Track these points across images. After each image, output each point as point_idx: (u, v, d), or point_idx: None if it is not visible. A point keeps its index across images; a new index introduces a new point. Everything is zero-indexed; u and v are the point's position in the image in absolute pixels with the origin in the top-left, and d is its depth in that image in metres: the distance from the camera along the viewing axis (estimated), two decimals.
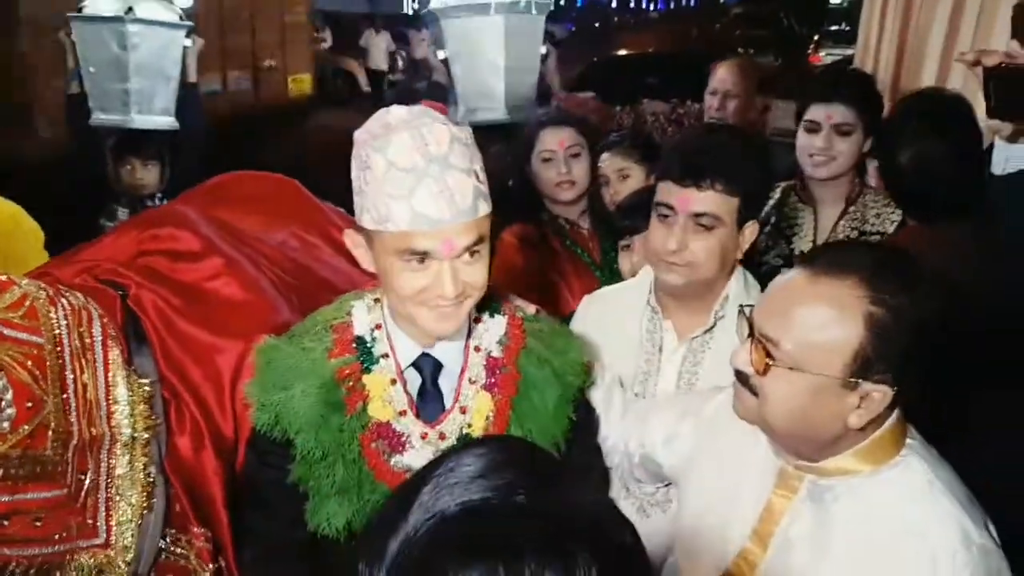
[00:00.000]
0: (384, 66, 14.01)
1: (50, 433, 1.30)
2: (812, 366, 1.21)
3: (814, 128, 2.43)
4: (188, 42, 3.39)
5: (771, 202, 2.59)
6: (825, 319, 1.20)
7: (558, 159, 2.61)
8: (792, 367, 1.22)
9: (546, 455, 0.81)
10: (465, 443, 0.80)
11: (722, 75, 3.38)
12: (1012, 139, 1.80)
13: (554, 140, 2.63)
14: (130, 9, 3.18)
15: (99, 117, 3.28)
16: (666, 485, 1.71)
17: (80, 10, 3.28)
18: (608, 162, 2.70)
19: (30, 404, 1.27)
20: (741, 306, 1.36)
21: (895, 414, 1.29)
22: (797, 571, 1.30)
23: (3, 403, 1.24)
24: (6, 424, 1.24)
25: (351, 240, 1.40)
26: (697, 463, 1.52)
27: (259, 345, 1.44)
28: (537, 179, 2.66)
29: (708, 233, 1.67)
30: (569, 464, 1.48)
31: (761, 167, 1.75)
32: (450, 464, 0.73)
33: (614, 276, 2.33)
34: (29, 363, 1.27)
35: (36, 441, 1.28)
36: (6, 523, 1.29)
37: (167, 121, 3.32)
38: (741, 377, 1.30)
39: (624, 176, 2.66)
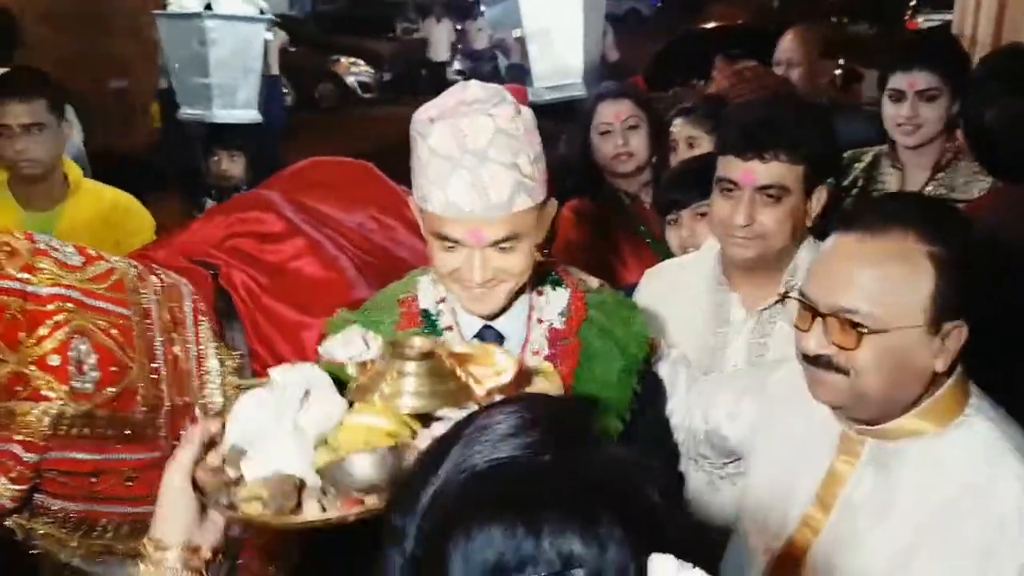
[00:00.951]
0: (446, 57, 13.66)
1: (139, 398, 1.39)
2: (898, 322, 1.20)
3: (898, 96, 2.38)
4: (269, 35, 3.45)
5: (861, 166, 2.54)
6: (895, 273, 1.20)
7: (615, 131, 2.61)
8: (881, 329, 1.20)
9: (579, 414, 0.80)
10: (497, 402, 0.82)
11: (785, 45, 3.32)
12: None
13: (611, 112, 2.63)
14: (208, 6, 3.25)
15: (185, 112, 3.41)
16: (734, 460, 1.71)
17: (165, 7, 3.40)
18: (679, 128, 2.66)
19: (115, 368, 1.36)
20: (783, 294, 1.33)
21: (956, 372, 1.27)
22: (860, 535, 1.29)
23: (87, 366, 1.32)
24: (90, 385, 1.33)
25: (413, 209, 1.43)
26: (761, 437, 1.52)
27: (331, 318, 1.50)
28: (596, 152, 2.66)
29: (776, 204, 1.65)
30: (635, 432, 1.49)
31: (823, 131, 1.71)
32: (482, 422, 0.74)
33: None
34: (114, 331, 1.36)
35: (123, 403, 1.37)
36: (95, 479, 1.39)
37: (250, 114, 3.38)
38: (820, 361, 1.26)
39: (692, 145, 2.60)
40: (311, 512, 0.99)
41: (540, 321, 1.49)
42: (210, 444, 1.05)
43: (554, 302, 1.51)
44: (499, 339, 1.49)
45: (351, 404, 1.09)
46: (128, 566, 1.44)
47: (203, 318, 1.50)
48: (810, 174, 1.65)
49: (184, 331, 1.47)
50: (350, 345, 1.15)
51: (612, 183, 2.71)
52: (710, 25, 11.60)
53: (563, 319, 1.50)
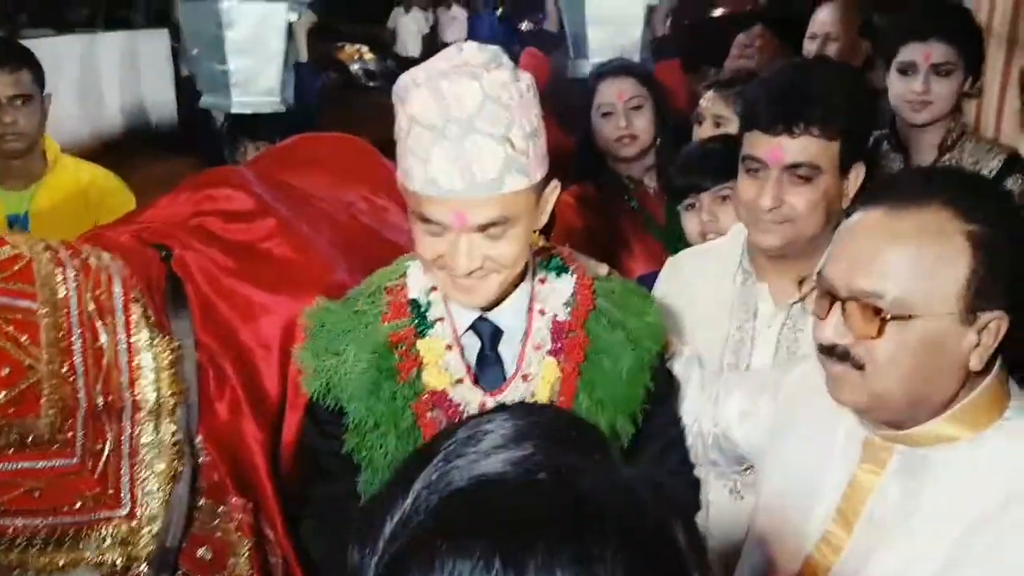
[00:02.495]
0: (416, 52, 12.64)
1: (43, 401, 1.25)
2: (928, 307, 1.06)
3: (910, 69, 2.20)
4: (293, 16, 3.21)
5: None
6: (927, 251, 1.07)
7: (617, 112, 2.46)
8: (908, 315, 1.06)
9: (581, 425, 0.68)
10: (487, 410, 0.69)
11: (823, 18, 3.12)
12: None
13: (612, 92, 2.47)
14: None
15: (206, 99, 3.26)
16: (746, 467, 1.55)
17: None
18: (709, 103, 2.48)
19: (8, 370, 1.22)
20: (801, 279, 1.19)
21: (996, 368, 1.13)
22: (887, 554, 1.15)
23: None
24: None
25: (400, 185, 1.29)
26: (776, 442, 1.38)
27: (310, 308, 1.37)
28: (597, 135, 2.51)
29: (807, 185, 1.48)
30: (648, 433, 1.37)
31: (861, 101, 1.54)
32: (467, 432, 0.62)
33: (679, 240, 2.16)
34: (11, 328, 1.22)
35: (23, 409, 1.24)
36: None
37: (271, 102, 3.19)
38: (836, 353, 1.13)
39: (719, 124, 2.41)
40: None
41: (542, 312, 1.36)
42: None
43: (558, 291, 1.38)
44: (496, 332, 1.36)
45: None
46: None
47: (135, 305, 1.35)
48: (846, 151, 1.48)
49: (112, 320, 1.32)
50: None
51: (614, 167, 2.56)
52: (719, 12, 11.45)
53: (568, 310, 1.37)
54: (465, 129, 1.13)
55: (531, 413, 0.65)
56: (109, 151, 7.03)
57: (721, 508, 1.63)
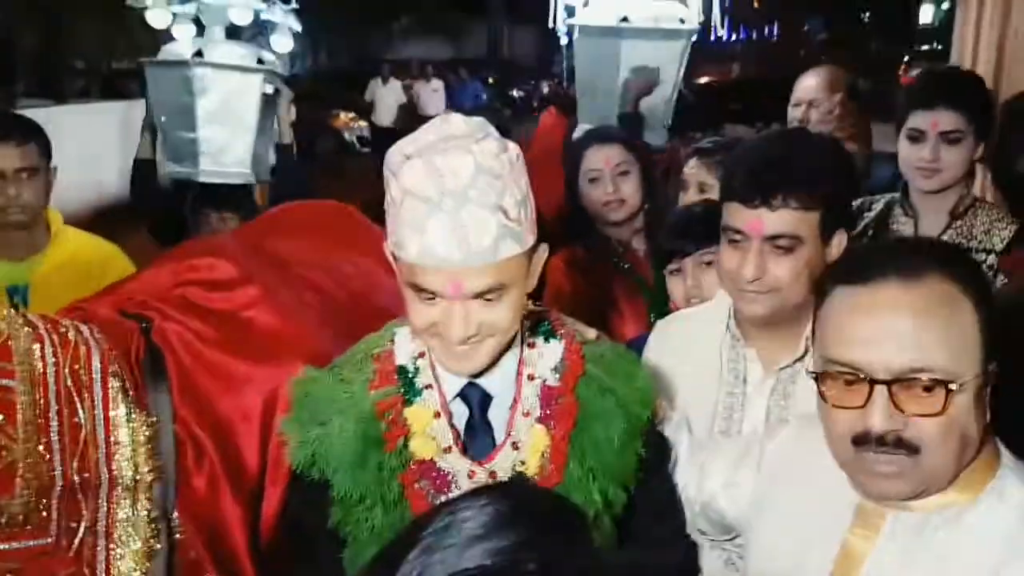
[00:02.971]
0: (389, 122, 12.61)
1: (19, 480, 1.22)
2: (965, 373, 1.07)
3: (919, 137, 2.19)
4: (268, 88, 3.13)
5: (872, 215, 2.37)
6: (952, 321, 1.08)
7: (605, 178, 2.49)
8: (959, 384, 1.06)
9: (562, 507, 0.65)
10: (465, 493, 0.66)
11: (806, 83, 3.14)
12: None
13: (599, 159, 2.50)
14: (199, 52, 3.03)
15: (172, 168, 3.15)
16: (733, 537, 1.52)
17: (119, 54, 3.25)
18: (693, 171, 2.51)
19: None
20: (815, 374, 1.14)
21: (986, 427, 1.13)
22: None
23: None
24: None
25: (388, 254, 1.29)
26: (762, 510, 1.35)
27: (296, 377, 1.35)
28: (585, 200, 2.53)
29: (789, 255, 1.47)
30: (642, 501, 1.34)
31: (840, 170, 1.53)
32: (444, 520, 0.59)
33: (665, 304, 2.15)
34: None
35: None
36: None
37: (241, 173, 3.11)
38: (886, 442, 1.07)
39: (703, 190, 2.44)
40: None
41: (531, 378, 1.34)
42: None
43: (547, 356, 1.36)
44: (485, 398, 1.33)
45: None
46: None
47: (113, 380, 1.33)
48: (827, 219, 1.47)
49: (90, 395, 1.30)
50: None
51: (603, 231, 2.58)
52: (704, 80, 11.72)
53: (557, 375, 1.34)
54: (460, 201, 1.14)
55: (510, 496, 0.63)
56: (105, 219, 7.07)
57: None
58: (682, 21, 3.18)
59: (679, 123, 5.25)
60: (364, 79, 13.89)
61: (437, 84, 13.61)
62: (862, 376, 1.08)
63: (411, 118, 12.24)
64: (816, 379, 1.14)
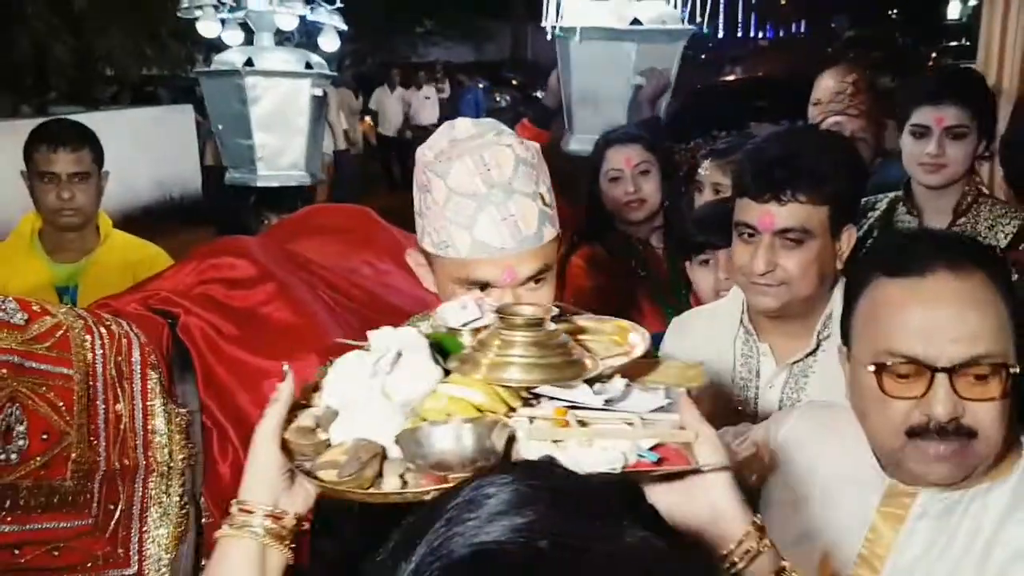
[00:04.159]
0: (393, 132, 11.99)
1: (71, 464, 1.29)
2: (1012, 357, 1.10)
3: (923, 132, 2.21)
4: (317, 91, 3.20)
5: (876, 214, 2.38)
6: (998, 309, 1.11)
7: (625, 178, 2.52)
8: (1014, 368, 1.09)
9: (587, 486, 0.66)
10: (491, 470, 0.68)
11: (826, 83, 3.14)
12: None
13: (620, 158, 2.53)
14: (249, 61, 3.10)
15: (232, 175, 3.26)
16: None
17: (209, 64, 3.28)
18: (707, 172, 2.53)
19: (46, 436, 1.27)
20: (878, 366, 1.14)
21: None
22: None
23: (15, 434, 1.23)
24: (15, 456, 1.24)
25: (413, 260, 1.35)
26: (773, 496, 1.36)
27: (319, 370, 1.38)
28: (605, 199, 2.56)
29: (799, 248, 1.50)
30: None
31: (848, 166, 1.56)
32: (468, 495, 0.61)
33: (681, 301, 2.18)
34: (52, 395, 1.27)
35: (52, 471, 1.28)
36: (17, 552, 1.29)
37: (297, 176, 3.20)
38: (949, 429, 1.09)
39: (718, 191, 2.46)
40: (389, 485, 0.92)
41: None
42: (299, 404, 1.02)
43: None
44: None
45: (448, 374, 1.01)
46: None
47: (152, 372, 1.40)
48: (835, 215, 1.50)
49: (131, 386, 1.37)
50: (466, 310, 1.09)
51: (623, 230, 2.61)
52: (731, 78, 11.67)
53: None
54: (507, 192, 1.20)
55: (534, 475, 0.63)
56: (135, 223, 7.21)
57: None
58: (682, 21, 3.11)
59: (704, 122, 5.24)
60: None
61: (429, 91, 12.75)
62: (924, 366, 1.09)
63: (407, 127, 11.91)
64: (874, 372, 1.14)
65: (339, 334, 1.56)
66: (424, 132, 11.64)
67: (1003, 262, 1.22)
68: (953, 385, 1.08)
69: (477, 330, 1.06)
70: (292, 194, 3.14)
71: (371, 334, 1.05)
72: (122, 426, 1.35)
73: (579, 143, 3.04)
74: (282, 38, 3.43)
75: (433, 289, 1.33)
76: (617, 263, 2.56)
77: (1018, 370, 1.09)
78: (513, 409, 0.97)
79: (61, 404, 1.28)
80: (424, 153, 1.26)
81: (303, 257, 1.75)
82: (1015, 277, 1.95)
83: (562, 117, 3.27)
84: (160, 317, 1.49)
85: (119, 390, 1.35)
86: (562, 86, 3.19)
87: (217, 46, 3.44)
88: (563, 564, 0.56)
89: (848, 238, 1.54)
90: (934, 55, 13.08)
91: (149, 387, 1.39)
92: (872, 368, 1.13)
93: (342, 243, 1.88)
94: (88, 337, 1.34)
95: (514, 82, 16.14)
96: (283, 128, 3.16)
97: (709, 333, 1.72)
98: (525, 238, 1.21)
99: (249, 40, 3.34)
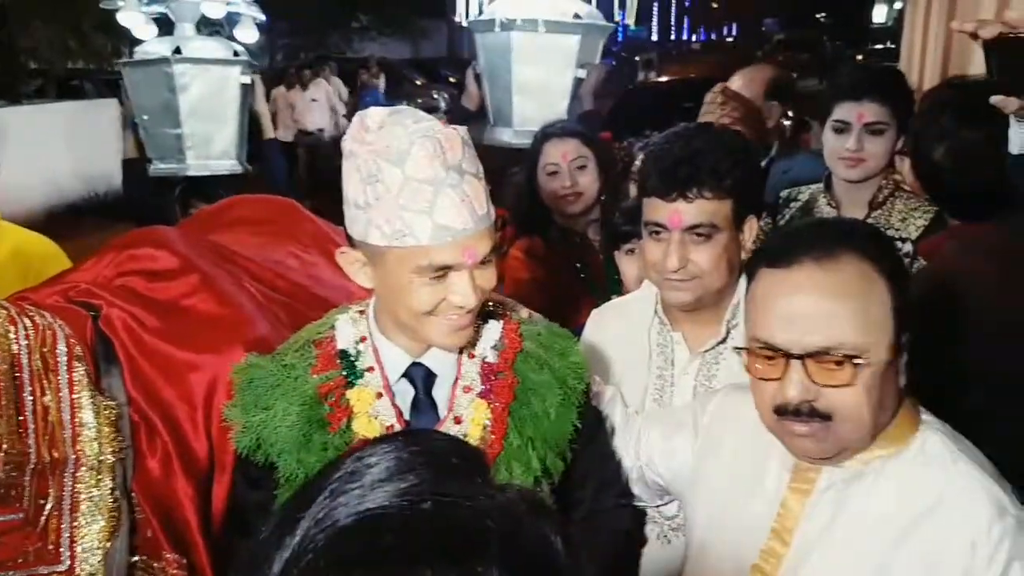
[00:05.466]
0: (290, 136, 10.16)
1: (1, 455, 1.27)
2: (878, 346, 1.15)
3: (844, 128, 2.29)
4: (246, 79, 3.18)
5: (797, 205, 2.47)
6: (866, 297, 1.16)
7: (563, 171, 2.56)
8: (870, 359, 1.15)
9: (463, 449, 0.69)
10: (372, 441, 0.69)
11: (734, 83, 3.26)
12: (1020, 116, 1.65)
13: (557, 152, 2.57)
14: (177, 49, 3.05)
15: (157, 167, 3.17)
16: (667, 502, 1.61)
17: (132, 56, 3.19)
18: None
19: None
20: (739, 348, 1.26)
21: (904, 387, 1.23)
22: (825, 564, 1.23)
23: None
24: None
25: (345, 259, 1.33)
26: (702, 473, 1.43)
27: (238, 364, 1.38)
28: (543, 192, 2.60)
29: (708, 242, 1.56)
30: (583, 472, 1.40)
31: (745, 161, 1.62)
32: (351, 466, 0.63)
33: (616, 293, 2.24)
34: None
35: None
36: None
37: (228, 164, 3.15)
38: (800, 411, 1.17)
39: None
40: None
41: (472, 356, 1.39)
42: None
43: (486, 334, 1.41)
44: (429, 377, 1.38)
45: None
46: None
47: (78, 363, 1.38)
48: (738, 207, 1.58)
49: (56, 378, 1.35)
50: None
51: (560, 223, 2.65)
52: (663, 79, 11.85)
53: (496, 352, 1.40)
54: (460, 173, 1.22)
55: (414, 442, 0.66)
56: (60, 220, 6.98)
57: (650, 554, 1.68)
58: (577, 16, 3.06)
59: (635, 122, 5.31)
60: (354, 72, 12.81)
61: (317, 92, 11.06)
62: (777, 352, 1.17)
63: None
64: (745, 354, 1.23)
65: (265, 327, 1.56)
66: (310, 139, 10.43)
67: (888, 247, 1.25)
68: (807, 371, 1.15)
69: None
70: (222, 183, 3.07)
71: None
72: (50, 418, 1.32)
73: (518, 136, 3.03)
74: (211, 31, 3.38)
75: (369, 286, 1.33)
76: (554, 256, 2.60)
77: (867, 361, 1.14)
78: None
79: None
80: (371, 143, 1.23)
81: (227, 249, 1.72)
82: (921, 264, 2.07)
83: (484, 115, 3.27)
84: (82, 309, 1.47)
85: (45, 382, 1.33)
86: (489, 80, 3.18)
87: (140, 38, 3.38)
88: (445, 521, 0.59)
89: (750, 228, 1.62)
90: (860, 58, 13.49)
91: (75, 379, 1.36)
92: (744, 351, 1.23)
93: (265, 234, 1.85)
94: (11, 327, 1.31)
95: (451, 80, 16.09)
96: (213, 116, 3.10)
97: (625, 323, 1.78)
98: (480, 217, 1.23)
99: (168, 32, 3.29)
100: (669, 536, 1.67)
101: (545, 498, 0.64)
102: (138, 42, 3.25)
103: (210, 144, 3.10)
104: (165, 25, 3.32)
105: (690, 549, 1.44)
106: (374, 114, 1.26)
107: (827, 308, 1.15)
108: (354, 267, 1.32)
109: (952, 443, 1.21)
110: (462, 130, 1.27)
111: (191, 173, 3.07)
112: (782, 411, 1.19)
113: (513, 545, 0.59)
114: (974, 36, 1.64)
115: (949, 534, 1.14)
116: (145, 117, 3.14)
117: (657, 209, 1.58)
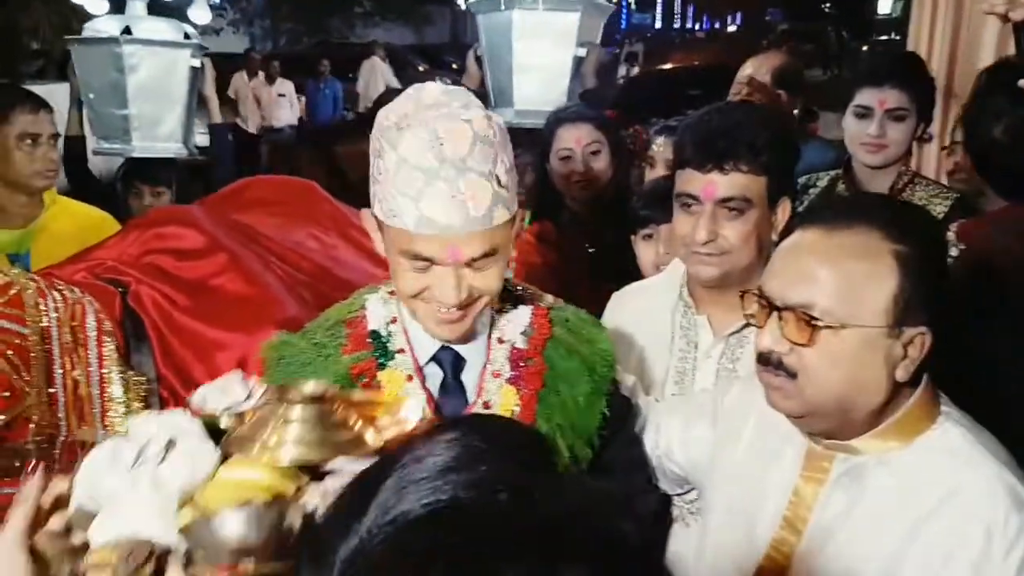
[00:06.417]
0: (254, 128, 9.97)
1: (32, 426, 1.28)
2: (856, 318, 1.15)
3: (866, 114, 2.30)
4: (195, 62, 3.11)
5: (816, 191, 2.47)
6: (856, 268, 1.16)
7: (576, 157, 2.55)
8: (837, 325, 1.15)
9: (536, 438, 0.67)
10: (431, 429, 0.67)
11: (742, 71, 3.24)
12: None
13: (571, 138, 2.56)
14: (127, 29, 3.00)
15: (101, 146, 3.14)
16: (687, 490, 1.61)
17: (80, 33, 3.13)
18: (661, 148, 2.59)
19: (7, 394, 1.24)
20: (743, 292, 1.27)
21: (924, 382, 1.22)
22: (836, 555, 1.22)
23: None
24: None
25: (368, 223, 1.32)
26: (718, 461, 1.43)
27: (270, 342, 1.38)
28: (555, 177, 2.60)
29: (740, 217, 1.55)
30: (611, 459, 1.40)
31: (784, 140, 1.62)
32: (418, 453, 0.60)
33: (620, 277, 2.24)
34: (9, 352, 1.25)
35: (14, 433, 1.26)
36: None
37: (173, 147, 3.10)
38: (771, 361, 1.21)
39: (670, 168, 2.54)
40: None
41: (501, 341, 1.39)
42: (56, 504, 0.89)
43: (515, 320, 1.40)
44: (458, 361, 1.38)
45: (226, 457, 0.91)
46: None
47: (108, 338, 1.38)
48: (772, 185, 1.57)
49: (86, 352, 1.35)
50: (228, 393, 0.98)
51: (572, 207, 2.65)
52: (668, 66, 11.82)
53: (525, 338, 1.39)
54: (459, 169, 1.17)
55: (479, 429, 0.63)
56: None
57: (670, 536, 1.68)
58: None
59: (640, 109, 5.31)
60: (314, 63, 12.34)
61: (284, 87, 10.61)
62: (767, 301, 1.21)
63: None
64: (744, 296, 1.28)
65: (294, 307, 1.56)
66: (277, 136, 10.04)
67: (917, 240, 1.18)
68: (781, 323, 1.18)
69: (239, 415, 0.96)
70: (167, 166, 3.08)
71: (132, 421, 0.94)
72: (80, 392, 1.33)
73: (519, 116, 3.02)
74: (166, 9, 3.34)
75: (382, 254, 1.32)
76: (567, 240, 2.60)
77: (833, 328, 1.14)
78: (301, 487, 0.89)
79: (19, 363, 1.26)
80: (385, 117, 1.22)
81: (252, 229, 1.72)
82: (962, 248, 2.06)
83: (484, 96, 3.26)
84: (110, 286, 1.47)
85: (75, 356, 1.33)
86: (490, 61, 3.18)
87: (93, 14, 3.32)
88: (525, 516, 0.55)
89: (783, 210, 1.60)
90: (865, 49, 13.45)
91: (105, 354, 1.37)
92: (745, 293, 1.27)
93: (283, 215, 1.85)
94: (41, 300, 1.31)
95: (454, 66, 16.01)
96: (160, 98, 3.05)
97: (648, 306, 1.77)
98: (473, 219, 1.18)
99: (119, 9, 3.25)
100: (687, 519, 1.67)
101: (615, 488, 0.62)
102: (89, 18, 3.19)
103: (157, 126, 3.05)
104: (116, 1, 3.27)
105: (707, 536, 1.44)
106: (430, 88, 1.25)
107: (812, 268, 1.17)
108: (375, 234, 1.31)
109: (972, 435, 1.20)
110: (495, 125, 1.22)
111: (136, 155, 3.04)
112: (760, 359, 1.23)
113: (601, 545, 0.56)
114: (1005, 18, 1.64)
115: (965, 524, 1.14)
116: (91, 96, 3.09)
117: (691, 180, 1.57)
